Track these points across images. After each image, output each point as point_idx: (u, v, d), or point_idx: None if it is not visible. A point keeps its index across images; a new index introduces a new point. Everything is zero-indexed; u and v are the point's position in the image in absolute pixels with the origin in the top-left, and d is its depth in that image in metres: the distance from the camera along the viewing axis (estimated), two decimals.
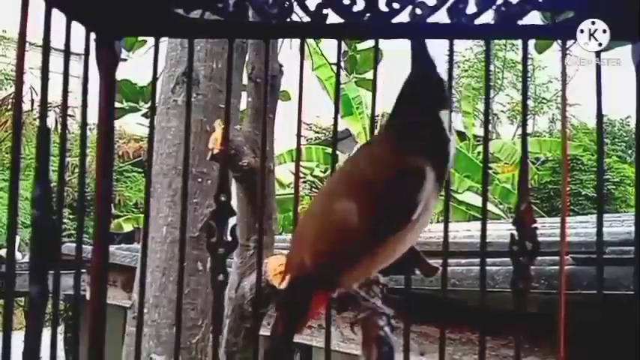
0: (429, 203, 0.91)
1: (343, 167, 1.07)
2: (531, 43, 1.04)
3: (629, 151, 14.75)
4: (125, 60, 1.01)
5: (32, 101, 7.17)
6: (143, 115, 3.66)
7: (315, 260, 0.91)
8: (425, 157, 0.91)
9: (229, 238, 1.00)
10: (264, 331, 1.27)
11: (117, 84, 1.04)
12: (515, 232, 0.94)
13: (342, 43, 1.11)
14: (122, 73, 1.04)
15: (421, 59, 0.95)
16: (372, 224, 0.90)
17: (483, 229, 0.99)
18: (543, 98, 16.53)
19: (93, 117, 1.02)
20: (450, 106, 0.96)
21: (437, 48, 0.99)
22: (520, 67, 1.06)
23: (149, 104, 3.69)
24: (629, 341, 0.92)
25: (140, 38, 3.49)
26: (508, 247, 0.95)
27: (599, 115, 0.99)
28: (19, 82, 0.88)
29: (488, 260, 1.06)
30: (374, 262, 0.94)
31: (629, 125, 15.21)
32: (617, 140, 15.11)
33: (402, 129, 0.94)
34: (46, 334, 0.94)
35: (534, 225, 0.94)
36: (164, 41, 2.50)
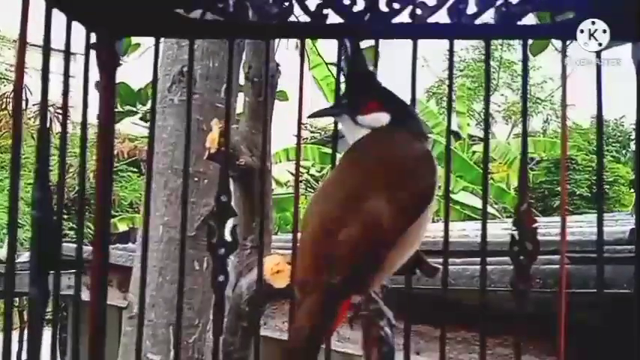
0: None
1: (347, 168, 1.01)
2: None
3: (624, 151, 14.80)
4: (120, 65, 1.00)
5: (27, 101, 7.11)
6: (141, 119, 3.64)
7: (351, 264, 0.87)
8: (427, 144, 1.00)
9: (229, 239, 1.00)
10: (261, 331, 1.27)
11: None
12: (515, 233, 0.95)
13: None
14: (117, 76, 1.03)
15: None
16: (398, 215, 0.89)
17: (484, 230, 0.99)
18: (538, 98, 16.54)
19: (90, 117, 1.01)
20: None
21: (437, 48, 1.00)
22: (515, 67, 1.07)
23: (146, 106, 3.66)
24: (626, 340, 0.92)
25: (134, 41, 3.46)
26: (507, 247, 0.96)
27: (599, 115, 0.99)
28: (19, 82, 0.88)
29: None
30: (400, 255, 0.93)
31: (623, 125, 15.25)
32: (611, 140, 15.13)
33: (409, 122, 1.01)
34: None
35: (534, 225, 0.95)
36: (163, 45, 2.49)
